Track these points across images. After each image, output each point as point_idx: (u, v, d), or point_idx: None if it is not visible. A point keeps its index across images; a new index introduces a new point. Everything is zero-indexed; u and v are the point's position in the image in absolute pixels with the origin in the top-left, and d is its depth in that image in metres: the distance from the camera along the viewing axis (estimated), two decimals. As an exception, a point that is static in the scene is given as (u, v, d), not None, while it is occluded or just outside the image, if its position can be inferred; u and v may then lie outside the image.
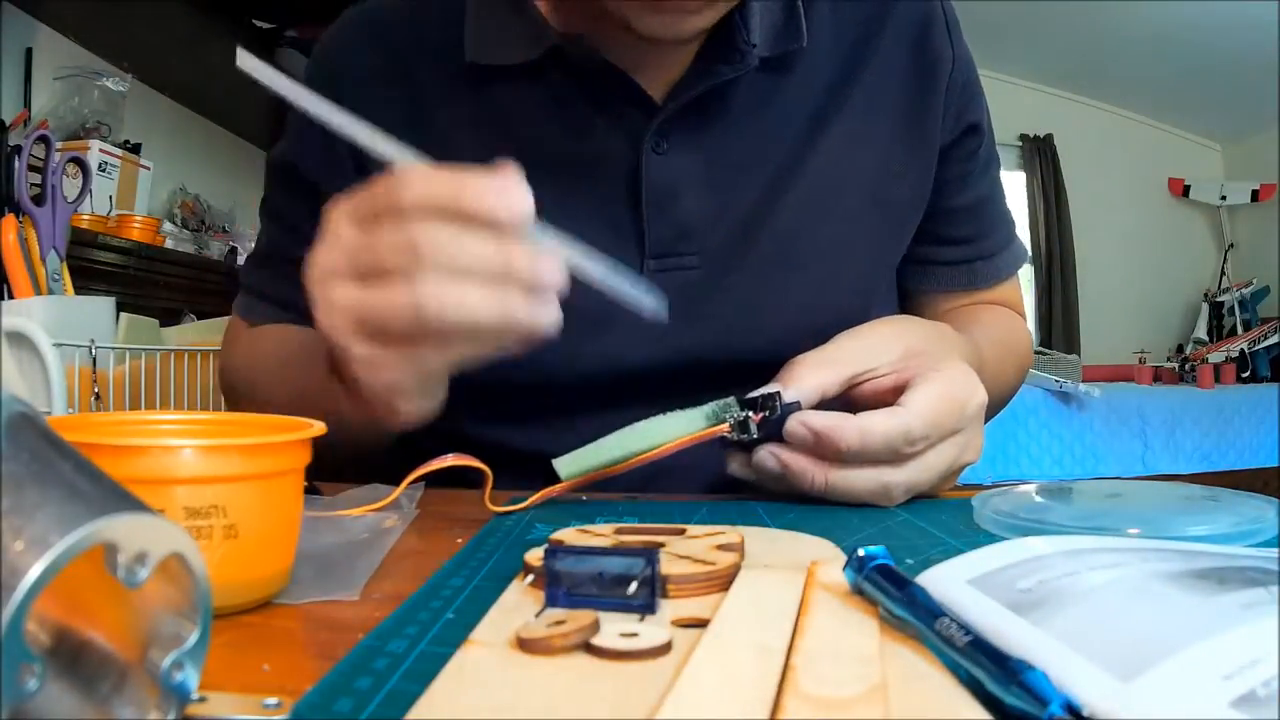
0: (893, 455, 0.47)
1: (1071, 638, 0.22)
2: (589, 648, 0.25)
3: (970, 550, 0.29)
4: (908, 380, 0.49)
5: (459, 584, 0.33)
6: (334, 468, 0.53)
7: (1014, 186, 4.62)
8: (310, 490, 0.49)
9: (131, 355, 0.91)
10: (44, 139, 1.05)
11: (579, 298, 0.44)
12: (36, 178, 1.06)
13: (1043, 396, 2.96)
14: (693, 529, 0.36)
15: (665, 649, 0.25)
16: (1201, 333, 4.38)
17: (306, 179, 0.69)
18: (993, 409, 0.72)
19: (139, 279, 1.73)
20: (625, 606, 0.28)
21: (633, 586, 0.28)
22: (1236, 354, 3.91)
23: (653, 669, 0.24)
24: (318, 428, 0.34)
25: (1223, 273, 4.59)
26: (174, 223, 2.09)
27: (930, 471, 0.48)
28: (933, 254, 0.73)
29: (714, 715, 0.20)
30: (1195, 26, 3.76)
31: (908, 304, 0.76)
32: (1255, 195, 4.48)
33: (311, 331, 0.69)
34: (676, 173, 0.62)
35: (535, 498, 0.49)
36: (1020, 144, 4.75)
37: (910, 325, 0.55)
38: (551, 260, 0.43)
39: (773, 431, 0.48)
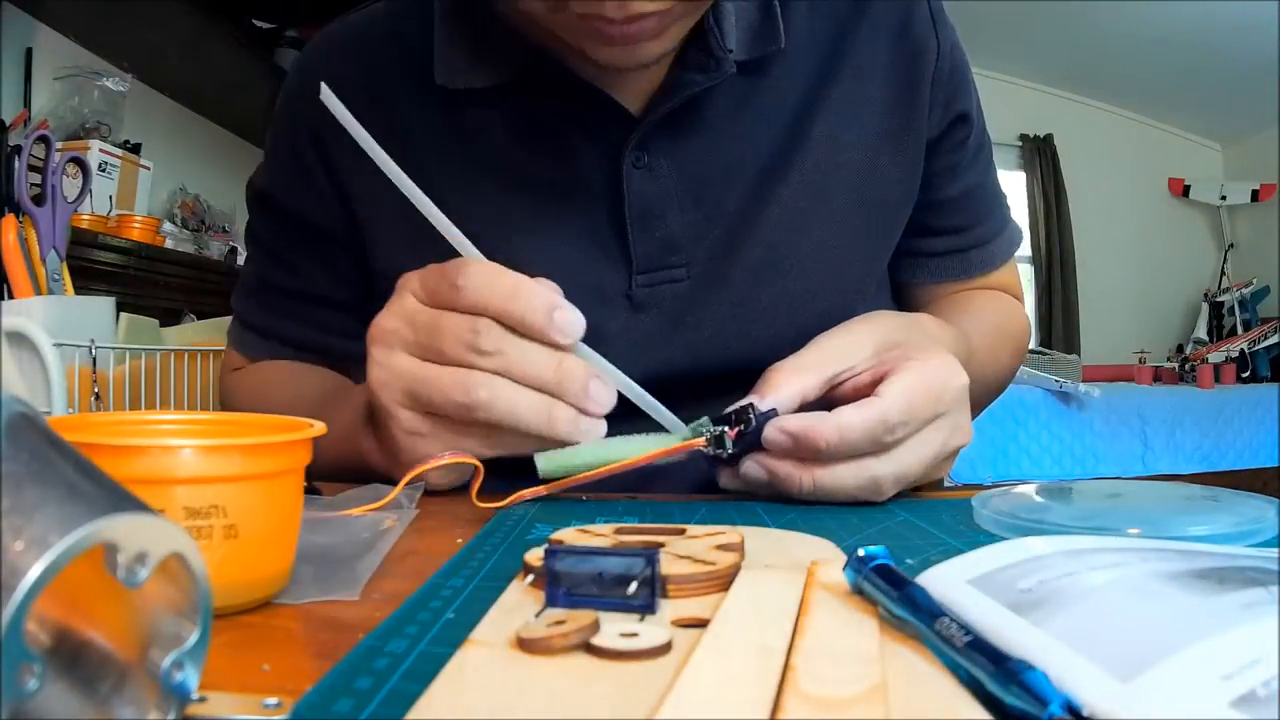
0: (874, 446, 0.47)
1: (1071, 638, 0.22)
2: (589, 648, 0.25)
3: (970, 550, 0.29)
4: (885, 373, 0.48)
5: (459, 584, 0.33)
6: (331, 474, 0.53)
7: (1014, 186, 4.63)
8: (310, 490, 0.49)
9: (131, 355, 0.91)
10: (44, 139, 1.05)
11: None
12: (36, 178, 1.06)
13: (1043, 396, 2.96)
14: (693, 529, 0.36)
15: (665, 649, 0.25)
16: (1201, 333, 4.39)
17: (287, 207, 0.69)
18: (989, 393, 0.72)
19: (139, 279, 1.73)
20: (625, 606, 0.28)
21: (633, 586, 0.28)
22: (1236, 354, 3.92)
23: (653, 669, 0.24)
24: (318, 427, 0.34)
25: (1223, 273, 4.60)
26: (174, 223, 2.09)
27: (918, 459, 0.48)
28: (924, 245, 0.72)
29: (714, 715, 0.20)
30: (1195, 26, 3.76)
31: (901, 295, 0.76)
32: (1255, 195, 4.48)
33: (330, 374, 0.70)
34: (658, 186, 0.61)
35: (514, 497, 0.49)
36: (1020, 144, 4.75)
37: (886, 320, 0.54)
38: (605, 386, 0.48)
39: (753, 442, 0.48)
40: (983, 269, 0.74)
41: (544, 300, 0.46)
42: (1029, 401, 2.91)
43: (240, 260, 1.84)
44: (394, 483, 0.51)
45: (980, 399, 0.69)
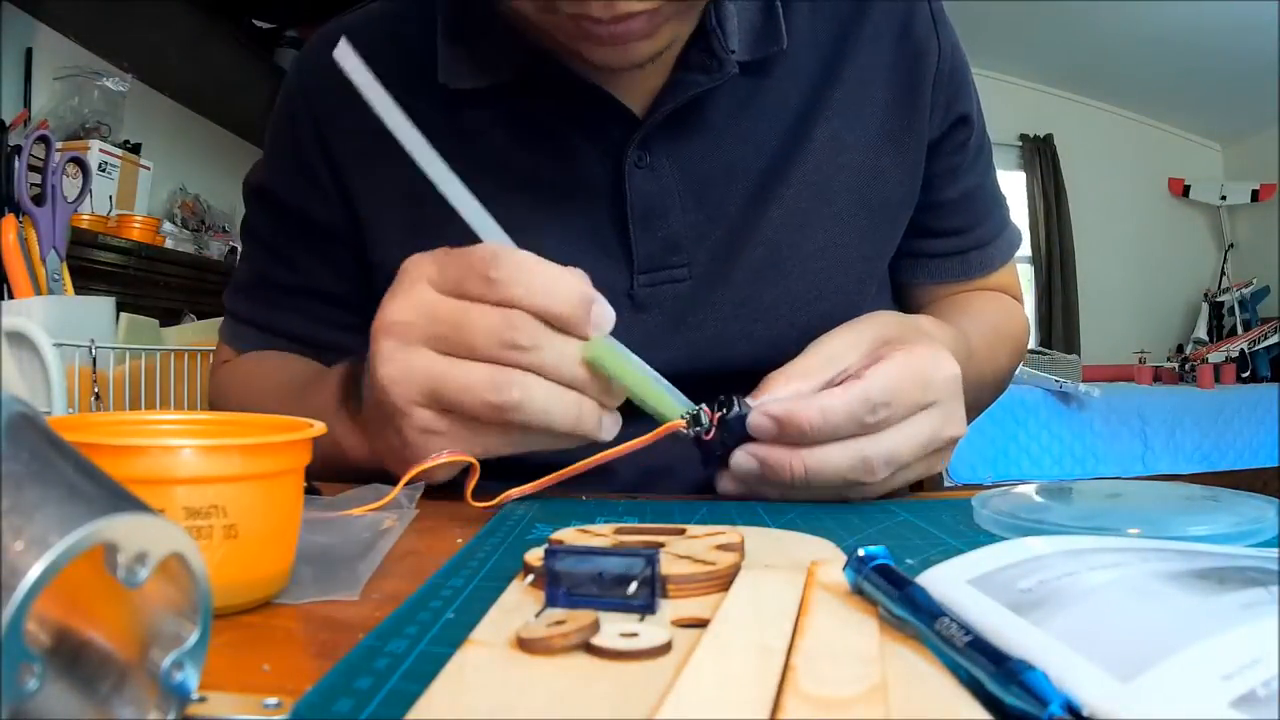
0: (859, 427, 0.46)
1: (1071, 638, 0.22)
2: (589, 648, 0.25)
3: (970, 550, 0.29)
4: (875, 364, 0.48)
5: (459, 584, 0.33)
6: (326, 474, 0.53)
7: (1014, 186, 4.63)
8: (310, 490, 0.49)
9: (131, 355, 0.91)
10: (44, 139, 1.05)
11: None
12: (36, 178, 1.06)
13: (1043, 396, 2.96)
14: (693, 529, 0.36)
15: (665, 649, 0.25)
16: (1201, 333, 4.39)
17: (288, 203, 0.69)
18: (989, 392, 0.72)
19: (139, 279, 1.74)
20: (625, 606, 0.28)
21: (633, 586, 0.28)
22: (1236, 354, 3.92)
23: (653, 669, 0.24)
24: (318, 427, 0.34)
25: (1223, 273, 4.60)
26: (174, 223, 2.10)
27: (909, 441, 0.48)
28: (924, 246, 0.72)
29: (714, 715, 0.20)
30: (1195, 27, 3.76)
31: (901, 296, 0.76)
32: (1255, 195, 4.48)
33: (308, 363, 0.70)
34: (660, 186, 0.61)
35: (504, 496, 0.49)
36: (1020, 144, 4.75)
37: (882, 321, 0.54)
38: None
39: (739, 433, 0.48)
40: (982, 270, 0.74)
41: (582, 294, 0.45)
42: (1029, 401, 2.92)
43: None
44: (384, 477, 0.51)
45: (980, 399, 0.69)
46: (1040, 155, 4.72)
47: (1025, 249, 4.52)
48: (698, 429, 0.48)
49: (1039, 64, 4.42)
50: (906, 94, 0.65)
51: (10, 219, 0.92)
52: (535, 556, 0.31)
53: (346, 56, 0.47)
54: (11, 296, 0.90)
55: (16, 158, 0.98)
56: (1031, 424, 2.92)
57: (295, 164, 0.67)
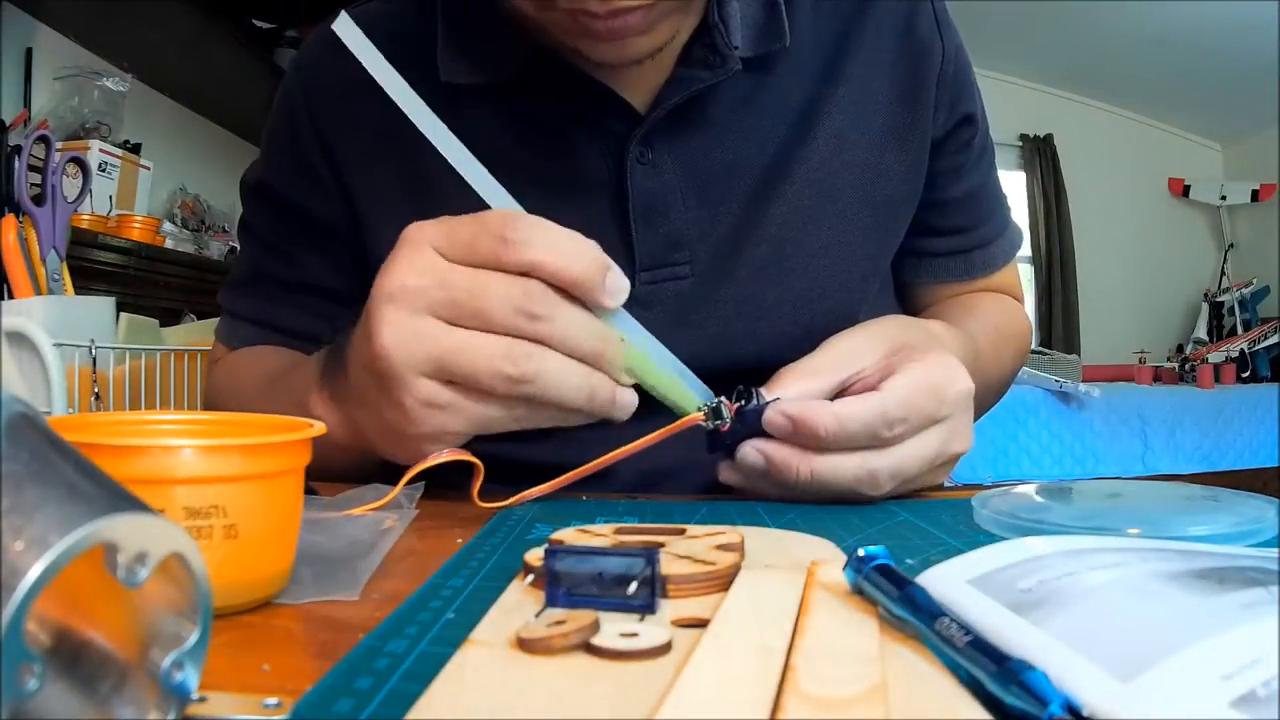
0: (872, 439, 0.46)
1: (1071, 638, 0.22)
2: (589, 648, 0.25)
3: (970, 550, 0.29)
4: (891, 374, 0.48)
5: (459, 584, 0.33)
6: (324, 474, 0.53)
7: (1014, 186, 4.63)
8: (309, 490, 0.49)
9: (131, 355, 0.91)
10: (44, 139, 1.05)
11: None
12: (36, 178, 1.06)
13: (1043, 396, 2.96)
14: (693, 529, 0.36)
15: (665, 649, 0.25)
16: (1201, 333, 4.39)
17: (287, 200, 0.69)
18: (992, 394, 0.72)
19: (139, 279, 1.74)
20: (625, 606, 0.28)
21: (633, 586, 0.28)
22: (1236, 354, 3.92)
23: (653, 669, 0.24)
24: (318, 428, 0.34)
25: (1223, 273, 4.60)
26: (174, 223, 2.10)
27: (916, 457, 0.48)
28: (927, 245, 0.72)
29: (714, 715, 0.20)
30: (1195, 27, 3.76)
31: (903, 294, 0.76)
32: (1255, 195, 4.48)
33: (293, 353, 0.69)
34: (662, 182, 0.61)
35: (519, 496, 0.49)
36: (1020, 144, 4.75)
37: (895, 324, 0.54)
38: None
39: (753, 426, 0.48)
40: (984, 270, 0.74)
41: (598, 257, 0.43)
42: (1029, 401, 2.92)
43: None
44: (376, 475, 0.50)
45: (983, 401, 0.69)
46: (1040, 155, 4.72)
47: (1025, 249, 4.52)
48: (718, 422, 0.48)
49: (1039, 64, 4.43)
50: (910, 92, 0.65)
51: (10, 219, 0.92)
52: (535, 556, 0.31)
53: (347, 28, 0.46)
54: (11, 296, 0.90)
55: (16, 158, 0.98)
56: (1031, 424, 2.92)
57: (294, 161, 0.67)
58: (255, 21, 2.21)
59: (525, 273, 0.43)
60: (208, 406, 0.76)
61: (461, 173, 0.46)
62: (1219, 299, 4.43)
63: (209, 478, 0.29)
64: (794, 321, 0.62)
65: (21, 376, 0.77)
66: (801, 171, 0.62)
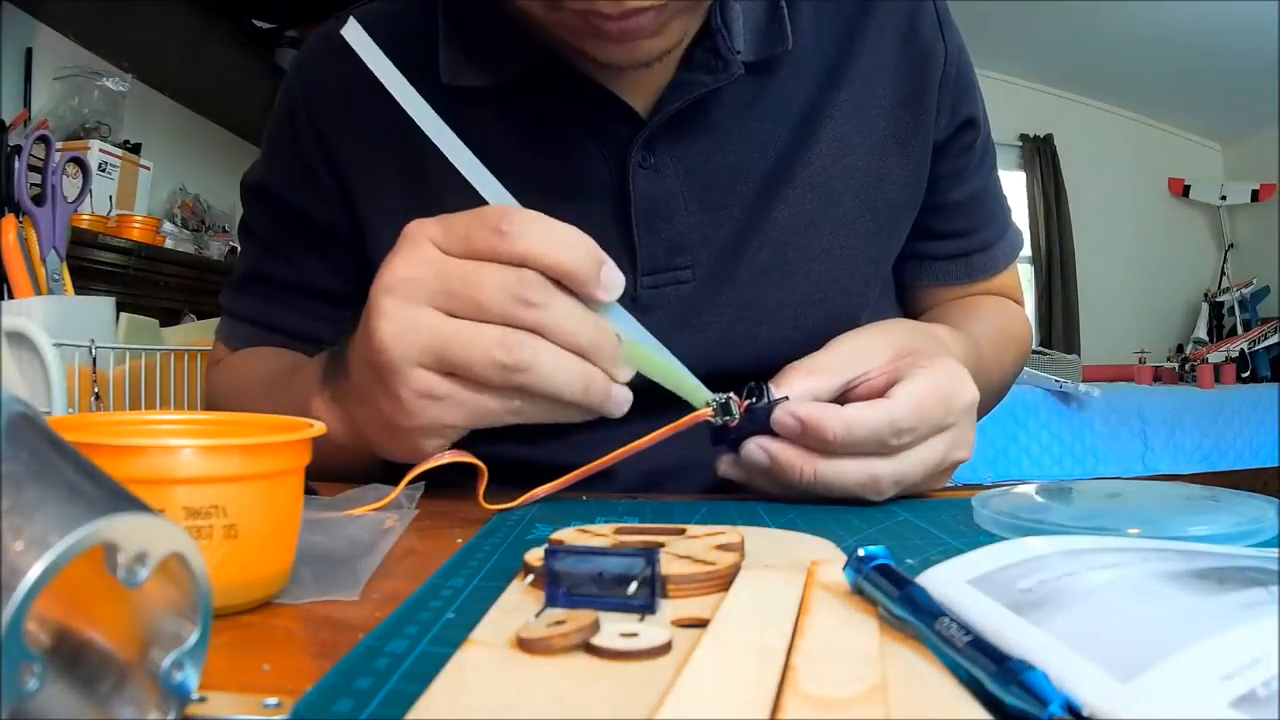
0: (879, 447, 0.46)
1: (1071, 638, 0.22)
2: (589, 648, 0.25)
3: (970, 550, 0.29)
4: (898, 379, 0.48)
5: (459, 584, 0.33)
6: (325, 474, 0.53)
7: (1014, 186, 4.63)
8: (309, 490, 0.49)
9: (131, 355, 0.91)
10: (44, 139, 1.05)
11: None
12: (36, 178, 1.06)
13: (1043, 396, 2.96)
14: (693, 529, 0.36)
15: (665, 649, 0.25)
16: (1201, 333, 4.39)
17: (287, 201, 0.69)
18: (993, 397, 0.72)
19: (139, 279, 1.74)
20: (625, 606, 0.28)
21: (633, 586, 0.28)
22: (1236, 354, 3.92)
23: (653, 669, 0.24)
24: (318, 428, 0.34)
25: (1223, 273, 4.60)
26: (174, 223, 2.10)
27: (920, 465, 0.48)
28: (928, 249, 0.72)
29: (714, 715, 0.20)
30: (1195, 27, 3.76)
31: (904, 297, 0.76)
32: (1255, 195, 4.48)
33: (295, 355, 0.70)
34: (664, 187, 0.61)
35: (526, 497, 0.49)
36: (1020, 144, 4.75)
37: (902, 328, 0.54)
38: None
39: (760, 422, 0.48)
40: (985, 273, 0.74)
41: (593, 251, 0.43)
42: (1029, 401, 2.92)
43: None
44: (376, 475, 0.50)
45: (984, 404, 0.69)
46: (1040, 155, 4.72)
47: (1025, 249, 4.51)
48: (726, 419, 0.48)
49: (1039, 64, 4.43)
50: (912, 95, 0.64)
51: (10, 219, 0.92)
52: (535, 556, 0.31)
53: (355, 33, 0.46)
54: (11, 296, 0.90)
55: (16, 158, 0.98)
56: (1031, 424, 2.92)
57: (294, 162, 0.67)
58: (255, 21, 2.21)
59: (521, 264, 0.43)
60: (208, 407, 0.76)
61: (471, 180, 0.46)
62: (1219, 299, 4.44)
63: (209, 478, 0.29)
64: (795, 326, 0.62)
65: (21, 376, 0.77)
66: (803, 175, 0.62)
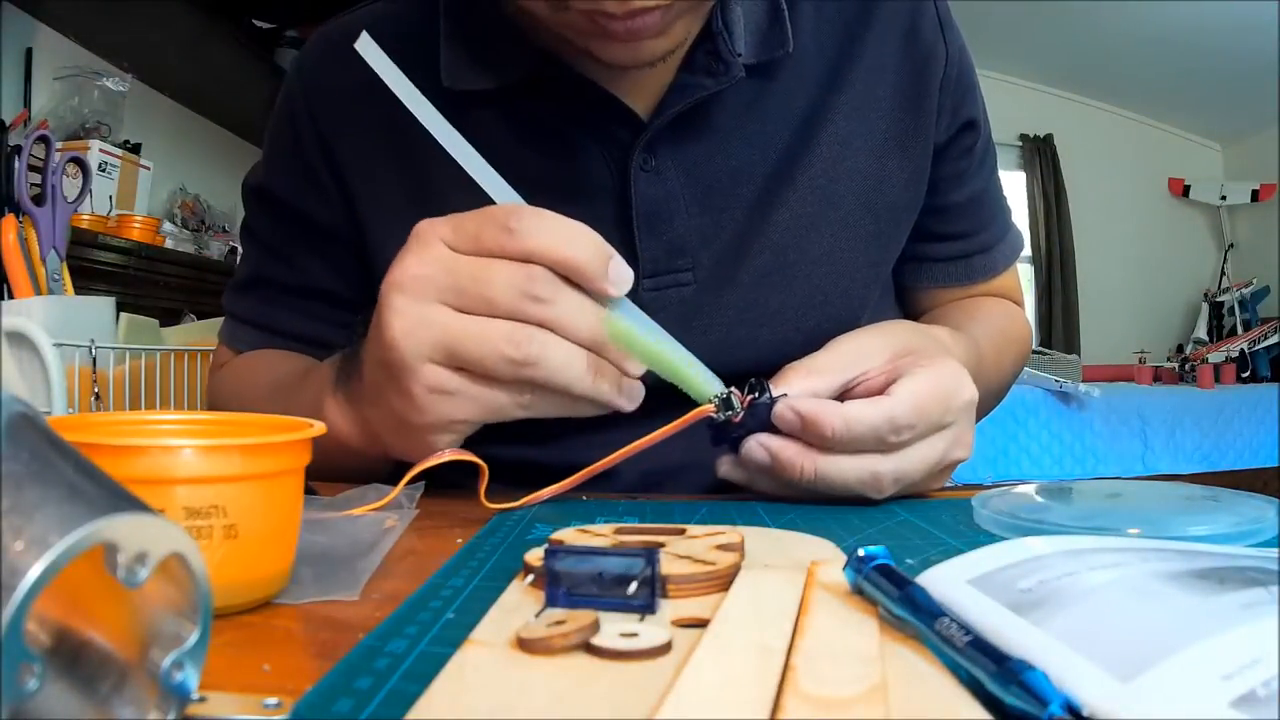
0: (879, 444, 0.47)
1: (1071, 638, 0.22)
2: (589, 648, 0.25)
3: (970, 550, 0.29)
4: (897, 378, 0.48)
5: (459, 584, 0.33)
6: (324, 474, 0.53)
7: (1014, 186, 4.63)
8: (309, 490, 0.49)
9: (131, 355, 0.91)
10: (44, 139, 1.05)
11: None
12: (36, 178, 1.06)
13: (1043, 396, 2.96)
14: (693, 529, 0.36)
15: (665, 649, 0.25)
16: (1201, 333, 4.39)
17: (289, 203, 0.69)
18: (993, 399, 0.72)
19: (139, 279, 1.74)
20: (625, 606, 0.28)
21: (633, 586, 0.28)
22: (1236, 354, 3.92)
23: (653, 669, 0.24)
24: (318, 427, 0.34)
25: (1223, 273, 4.60)
26: (174, 223, 2.10)
27: (920, 463, 0.48)
28: (928, 251, 0.72)
29: (714, 715, 0.20)
30: (1195, 27, 3.76)
31: (904, 299, 0.76)
32: (1255, 195, 4.48)
33: (302, 358, 0.70)
34: (666, 190, 0.60)
35: (530, 498, 0.49)
36: (1020, 144, 4.75)
37: (901, 329, 0.54)
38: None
39: (760, 420, 0.48)
40: (985, 274, 0.74)
41: (601, 249, 0.44)
42: (1029, 401, 2.92)
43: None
44: (379, 475, 0.50)
45: (983, 405, 0.69)
46: (1040, 155, 4.72)
47: (1025, 249, 4.51)
48: (729, 413, 0.47)
49: (1039, 64, 4.42)
50: (913, 97, 0.64)
51: (10, 219, 0.92)
52: (535, 556, 0.31)
53: (368, 47, 0.47)
54: (11, 296, 0.90)
55: (16, 158, 0.98)
56: (1031, 424, 2.92)
57: (296, 164, 0.67)
58: (255, 21, 2.21)
59: (529, 261, 0.43)
60: (211, 409, 0.75)
61: (485, 187, 0.47)
62: (1219, 299, 4.44)
63: (209, 478, 0.29)
64: (796, 328, 0.62)
65: (21, 376, 0.77)
66: (804, 178, 0.62)
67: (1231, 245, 4.63)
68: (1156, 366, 3.89)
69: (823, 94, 0.63)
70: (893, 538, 0.41)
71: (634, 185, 0.60)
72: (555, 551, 0.29)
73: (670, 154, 0.61)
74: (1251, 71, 3.87)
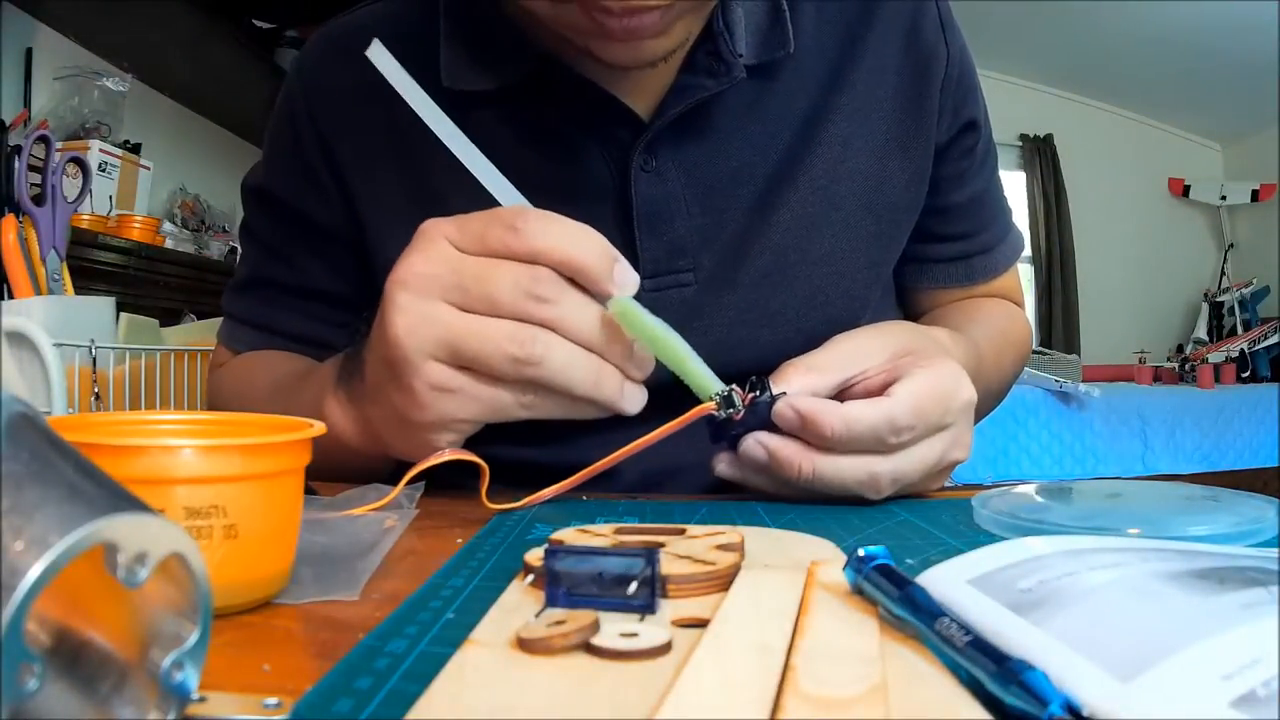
0: (878, 444, 0.47)
1: (1071, 638, 0.22)
2: (589, 648, 0.25)
3: (970, 550, 0.29)
4: (896, 378, 0.48)
5: (459, 584, 0.33)
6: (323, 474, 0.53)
7: (1014, 186, 4.63)
8: (309, 490, 0.49)
9: (131, 355, 0.91)
10: (44, 139, 1.05)
11: None
12: (36, 178, 1.06)
13: (1043, 396, 2.96)
14: (693, 529, 0.36)
15: (665, 649, 0.25)
16: (1201, 333, 4.39)
17: (288, 203, 0.69)
18: (992, 400, 0.72)
19: (139, 279, 1.74)
20: (625, 606, 0.28)
21: (633, 586, 0.28)
22: (1236, 354, 3.92)
23: (653, 669, 0.24)
24: (318, 427, 0.34)
25: (1223, 273, 4.60)
26: (174, 223, 2.10)
27: (918, 464, 0.48)
28: (929, 251, 0.72)
29: (714, 715, 0.20)
30: (1195, 27, 3.76)
31: (904, 299, 0.76)
32: (1255, 195, 4.48)
33: (303, 359, 0.69)
34: (666, 190, 0.60)
35: (531, 498, 0.49)
36: (1020, 144, 4.75)
37: (901, 329, 0.54)
38: (645, 351, 0.46)
39: (760, 419, 0.48)
40: (986, 275, 0.74)
41: (606, 251, 0.44)
42: (1029, 401, 2.92)
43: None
44: (376, 475, 0.50)
45: (983, 406, 0.69)
46: (1040, 155, 4.72)
47: (1025, 249, 4.52)
48: (730, 411, 0.47)
49: (1039, 64, 4.42)
50: (914, 98, 0.64)
51: (10, 219, 0.92)
52: (535, 556, 0.31)
53: (379, 54, 0.48)
54: (11, 296, 0.90)
55: (16, 158, 0.98)
56: (1031, 424, 2.92)
57: (296, 164, 0.67)
58: (255, 21, 2.21)
59: (534, 261, 0.43)
60: (211, 409, 0.75)
61: (492, 190, 0.47)
62: (1219, 299, 4.44)
63: (209, 478, 0.29)
64: (797, 329, 0.62)
65: (21, 376, 0.77)
66: (805, 179, 0.62)
67: (1231, 245, 4.63)
68: (1156, 366, 3.89)
69: (824, 94, 0.63)
70: (893, 538, 0.41)
71: (634, 186, 0.60)
72: (555, 551, 0.29)
73: (671, 155, 0.60)
74: (1251, 71, 3.88)
